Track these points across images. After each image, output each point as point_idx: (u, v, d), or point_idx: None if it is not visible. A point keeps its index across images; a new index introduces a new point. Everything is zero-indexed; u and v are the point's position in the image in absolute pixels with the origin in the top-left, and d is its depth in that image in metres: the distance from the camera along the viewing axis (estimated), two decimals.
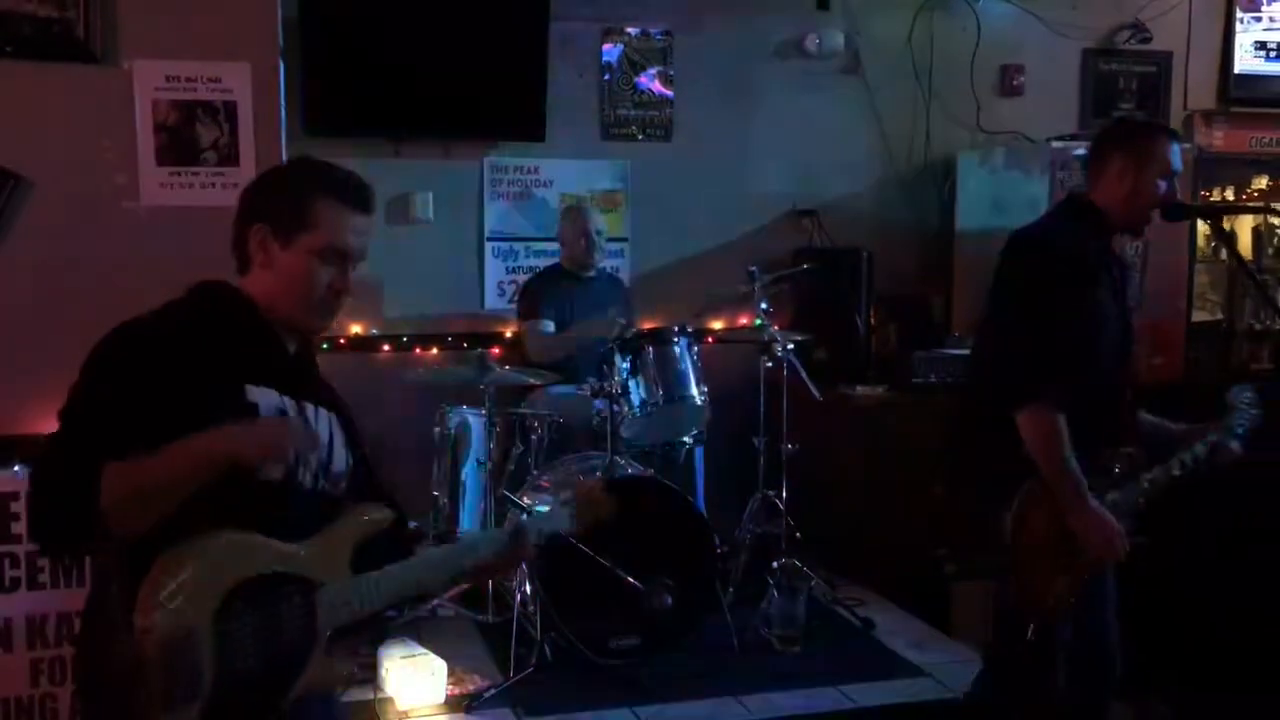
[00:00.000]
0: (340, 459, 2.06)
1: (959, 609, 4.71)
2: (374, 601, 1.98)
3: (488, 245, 5.39)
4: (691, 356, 4.39)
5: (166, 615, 1.73)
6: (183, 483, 1.76)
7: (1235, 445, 2.89)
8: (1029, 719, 2.99)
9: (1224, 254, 5.63)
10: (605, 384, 4.21)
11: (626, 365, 4.27)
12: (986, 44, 5.82)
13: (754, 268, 4.61)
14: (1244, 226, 6.31)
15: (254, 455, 1.83)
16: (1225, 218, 4.36)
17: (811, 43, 5.61)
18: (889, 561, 4.90)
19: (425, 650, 3.90)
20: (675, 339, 4.38)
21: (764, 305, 4.55)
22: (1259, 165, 6.40)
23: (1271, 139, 6.15)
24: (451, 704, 3.79)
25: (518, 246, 5.42)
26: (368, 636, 4.00)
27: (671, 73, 5.52)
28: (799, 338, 4.63)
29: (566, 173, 5.46)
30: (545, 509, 3.14)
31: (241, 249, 2.01)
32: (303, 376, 2.07)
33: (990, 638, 3.11)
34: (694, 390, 4.35)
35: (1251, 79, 6.17)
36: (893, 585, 4.86)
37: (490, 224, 5.39)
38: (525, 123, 5.26)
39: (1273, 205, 4.57)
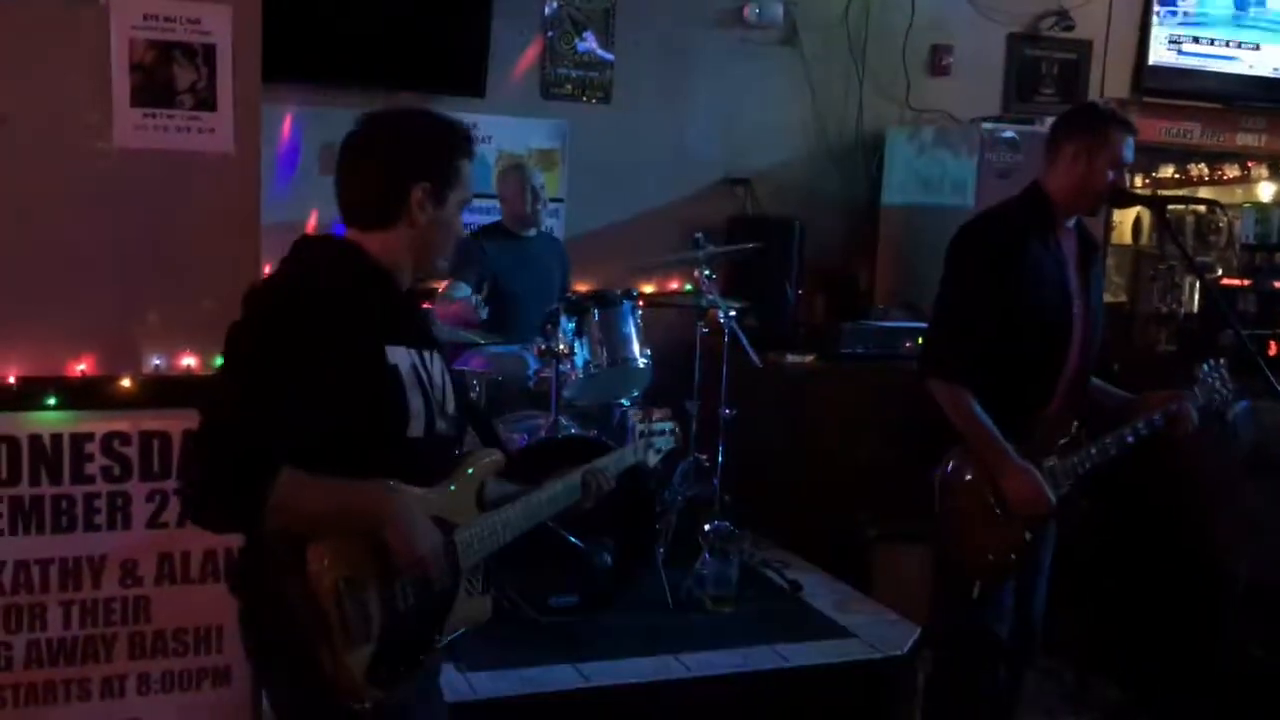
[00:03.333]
0: (451, 400, 2.15)
1: (880, 572, 4.88)
2: (501, 538, 2.16)
3: None
4: (635, 320, 4.42)
5: (337, 564, 1.85)
6: (339, 525, 1.88)
7: (1195, 417, 3.04)
8: (960, 680, 3.11)
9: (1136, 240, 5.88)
10: (551, 344, 4.23)
11: (572, 326, 4.29)
12: (919, 23, 5.94)
13: (700, 234, 4.65)
14: (1128, 214, 6.59)
15: (402, 559, 1.92)
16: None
17: (751, 13, 5.67)
18: (812, 525, 5.03)
19: None
20: (620, 302, 4.41)
21: (707, 272, 4.60)
22: (1166, 155, 6.70)
23: (1180, 130, 6.44)
24: None
25: None
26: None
27: (614, 35, 5.52)
28: (739, 305, 4.70)
29: (505, 130, 5.43)
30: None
31: (397, 203, 2.03)
32: (415, 320, 2.15)
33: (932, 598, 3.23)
34: (637, 353, 4.39)
35: (1165, 71, 6.42)
36: (815, 548, 4.99)
37: None
38: (466, 77, 5.22)
39: (1215, 200, 4.75)
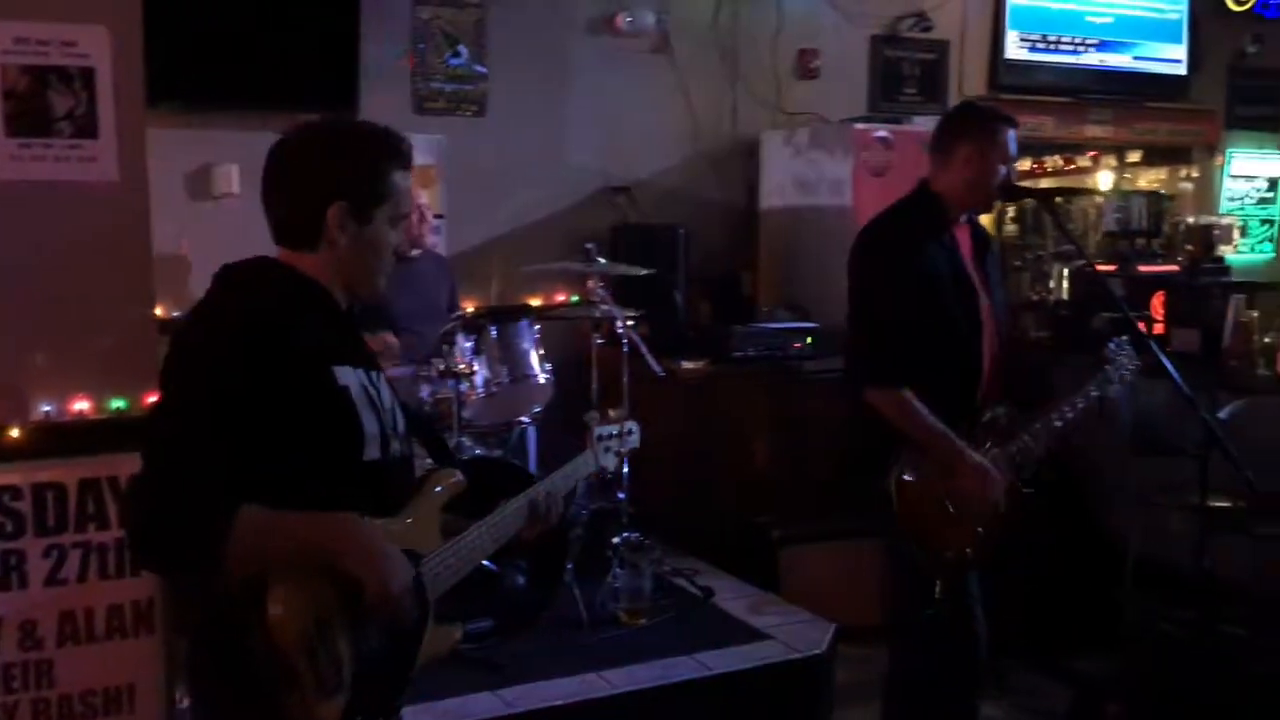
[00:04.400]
0: (401, 419, 2.03)
1: (786, 573, 4.90)
2: (467, 564, 2.04)
3: None
4: (533, 334, 4.36)
5: (302, 608, 1.73)
6: (303, 562, 1.76)
7: (1115, 393, 3.14)
8: (932, 676, 3.12)
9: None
10: (449, 363, 4.13)
11: (470, 344, 4.20)
12: (786, 28, 6.03)
13: (590, 245, 4.61)
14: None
15: (373, 596, 1.80)
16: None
17: (623, 21, 5.65)
18: (717, 531, 5.04)
19: None
20: (518, 317, 4.34)
21: (601, 283, 4.56)
22: (1023, 149, 6.92)
23: (1035, 124, 6.66)
24: None
25: None
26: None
27: (486, 46, 5.44)
28: (634, 314, 4.67)
29: None
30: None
31: (313, 226, 1.91)
32: (358, 339, 2.03)
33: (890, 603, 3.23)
34: (537, 369, 4.33)
35: (1019, 67, 6.66)
36: (721, 554, 4.99)
37: None
38: (337, 94, 5.05)
39: (1096, 189, 4.93)
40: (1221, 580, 3.72)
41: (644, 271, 4.75)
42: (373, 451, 1.90)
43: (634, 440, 2.51)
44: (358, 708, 1.80)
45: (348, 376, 1.90)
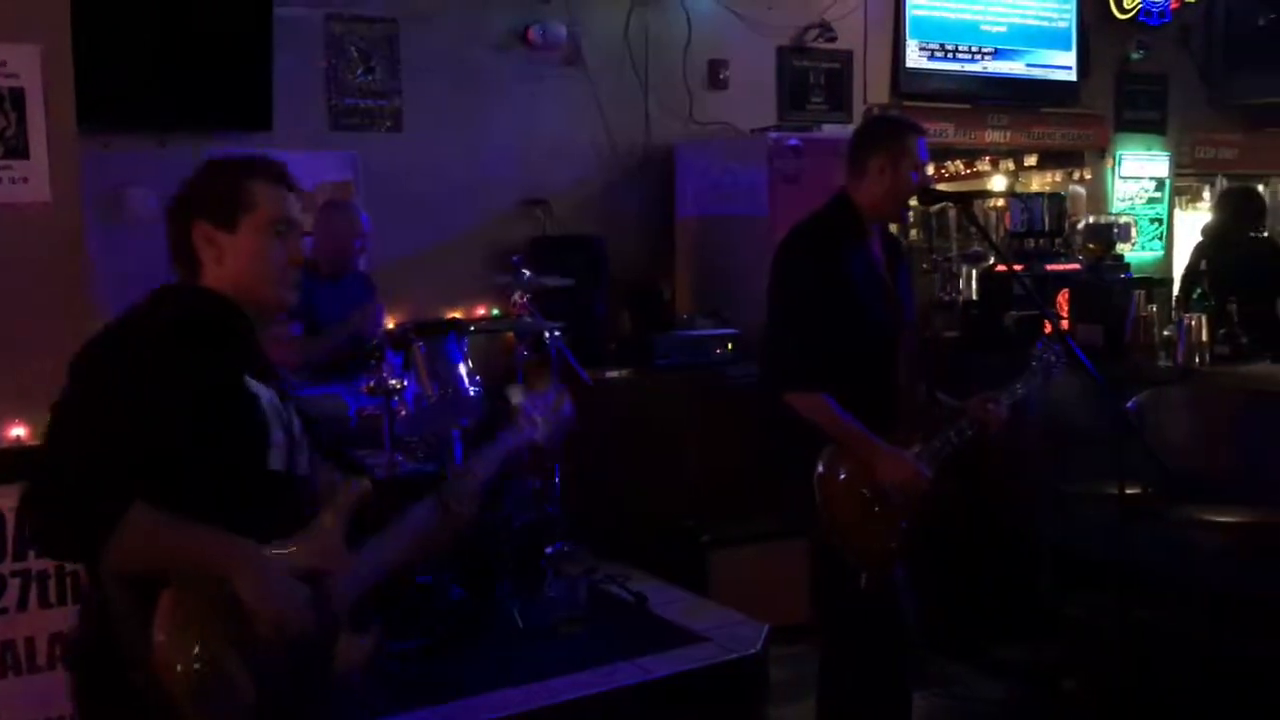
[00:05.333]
0: (302, 442, 2.05)
1: (716, 575, 4.98)
2: (377, 574, 2.02)
3: None
4: (462, 348, 4.36)
5: (189, 653, 1.69)
6: (192, 569, 1.75)
7: (1001, 412, 3.24)
8: (864, 666, 3.20)
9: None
10: (380, 380, 4.11)
11: (398, 360, 4.19)
12: (695, 39, 6.12)
13: (517, 257, 4.63)
14: None
15: (265, 623, 1.79)
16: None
17: (535, 34, 5.69)
18: (645, 536, 5.09)
19: None
20: (445, 331, 4.34)
21: (527, 295, 4.58)
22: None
23: (937, 130, 6.86)
24: None
25: None
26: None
27: (399, 62, 5.43)
28: (561, 325, 4.70)
29: (294, 164, 5.14)
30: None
31: (187, 252, 1.99)
32: (269, 364, 2.06)
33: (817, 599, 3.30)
34: (467, 382, 4.33)
35: (919, 75, 6.85)
36: (650, 559, 5.04)
37: None
38: (251, 112, 5.01)
39: (998, 192, 5.09)
40: (1136, 566, 3.87)
41: (565, 282, 4.77)
42: (277, 462, 1.94)
43: (567, 409, 2.33)
44: None
45: (259, 389, 1.95)
